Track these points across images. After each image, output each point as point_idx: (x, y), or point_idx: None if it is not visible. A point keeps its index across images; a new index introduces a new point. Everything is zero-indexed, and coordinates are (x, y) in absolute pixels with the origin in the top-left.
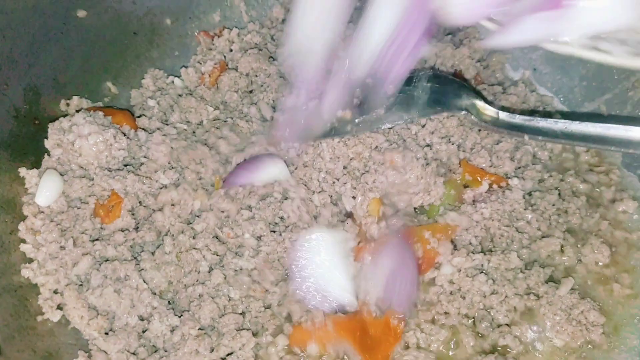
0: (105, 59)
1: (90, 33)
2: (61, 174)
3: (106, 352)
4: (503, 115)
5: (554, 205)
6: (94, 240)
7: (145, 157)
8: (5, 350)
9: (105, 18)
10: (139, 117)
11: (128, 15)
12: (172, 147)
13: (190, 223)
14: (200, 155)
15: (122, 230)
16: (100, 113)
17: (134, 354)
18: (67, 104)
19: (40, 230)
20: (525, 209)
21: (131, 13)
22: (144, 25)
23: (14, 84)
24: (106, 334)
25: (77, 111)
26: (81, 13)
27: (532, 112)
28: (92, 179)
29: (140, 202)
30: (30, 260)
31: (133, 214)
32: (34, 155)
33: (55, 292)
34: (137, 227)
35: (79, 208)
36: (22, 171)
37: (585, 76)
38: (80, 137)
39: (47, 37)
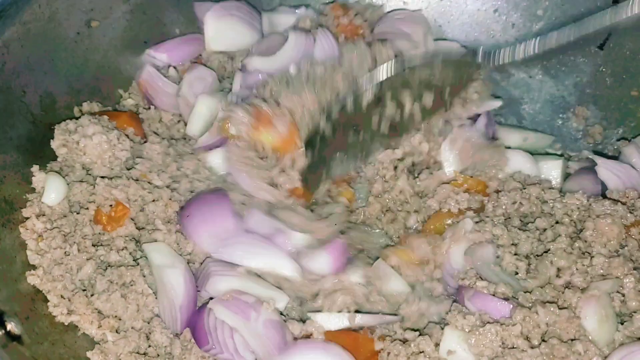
0: (117, 66)
1: (103, 42)
2: (65, 177)
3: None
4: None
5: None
6: (95, 245)
7: (140, 157)
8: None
9: (117, 28)
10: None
11: (139, 25)
12: (168, 153)
13: None
14: (195, 164)
15: (123, 236)
16: (105, 117)
17: (144, 354)
18: (81, 110)
19: (43, 236)
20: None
21: (142, 23)
22: (154, 35)
23: (31, 90)
24: (117, 332)
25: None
26: (94, 23)
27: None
28: (94, 184)
29: (142, 209)
30: (34, 267)
31: (134, 221)
32: (49, 160)
33: (63, 297)
34: (138, 234)
35: (78, 213)
36: (35, 172)
37: None
38: (85, 137)
39: (62, 46)
